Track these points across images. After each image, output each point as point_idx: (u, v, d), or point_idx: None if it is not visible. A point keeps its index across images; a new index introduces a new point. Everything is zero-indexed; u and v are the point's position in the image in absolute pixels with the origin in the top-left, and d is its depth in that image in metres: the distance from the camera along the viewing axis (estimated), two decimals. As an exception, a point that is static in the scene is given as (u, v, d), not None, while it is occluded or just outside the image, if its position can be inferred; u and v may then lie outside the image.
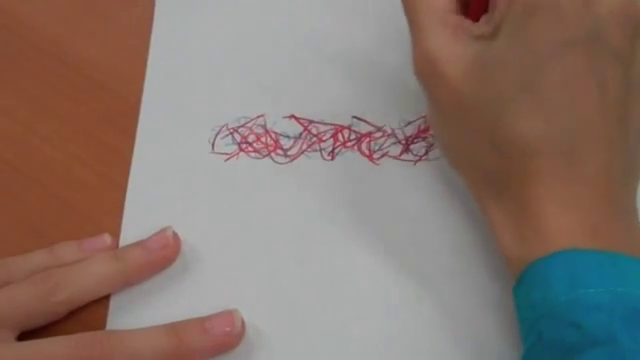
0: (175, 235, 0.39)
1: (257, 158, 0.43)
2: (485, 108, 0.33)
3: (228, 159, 0.43)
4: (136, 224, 0.40)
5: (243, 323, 0.37)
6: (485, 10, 0.36)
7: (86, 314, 0.38)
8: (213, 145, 0.44)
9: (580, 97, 0.32)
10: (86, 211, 0.42)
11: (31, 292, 0.36)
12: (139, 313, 0.38)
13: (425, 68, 0.35)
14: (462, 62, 0.34)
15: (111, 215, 0.41)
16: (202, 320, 0.36)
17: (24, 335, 0.36)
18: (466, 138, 0.35)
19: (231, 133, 0.44)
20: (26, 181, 0.43)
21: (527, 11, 0.33)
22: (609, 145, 0.33)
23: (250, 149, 0.43)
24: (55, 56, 0.48)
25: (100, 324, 0.38)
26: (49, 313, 0.37)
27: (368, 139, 0.43)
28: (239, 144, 0.43)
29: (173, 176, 0.43)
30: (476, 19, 0.36)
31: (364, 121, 0.44)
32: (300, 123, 0.44)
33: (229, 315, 0.36)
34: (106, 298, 0.38)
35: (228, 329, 0.36)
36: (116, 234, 0.40)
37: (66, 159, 0.43)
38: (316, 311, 0.38)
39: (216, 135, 0.44)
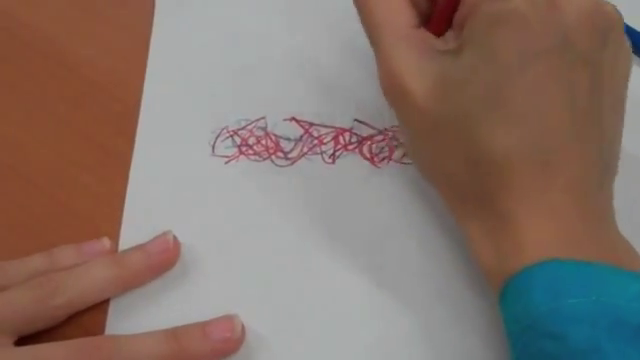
0: (175, 239, 0.39)
1: (257, 161, 0.43)
2: (456, 124, 0.33)
3: (228, 162, 0.43)
4: (135, 228, 0.40)
5: (243, 328, 0.36)
6: (449, 24, 0.35)
7: (85, 318, 0.37)
8: (213, 148, 0.43)
9: (551, 106, 0.32)
10: (85, 214, 0.41)
11: (30, 296, 0.36)
12: (138, 317, 0.38)
13: (392, 87, 0.35)
14: (429, 79, 0.34)
15: (110, 218, 0.41)
16: (202, 325, 0.36)
17: (23, 340, 0.36)
18: (439, 155, 0.34)
19: (231, 136, 0.44)
20: (24, 184, 0.43)
21: (492, 24, 0.32)
22: (583, 151, 0.32)
23: (250, 152, 0.43)
24: (53, 57, 0.47)
25: (99, 328, 0.37)
26: (48, 317, 0.37)
27: (369, 142, 0.43)
28: (239, 147, 0.43)
29: (173, 179, 0.42)
30: (438, 32, 0.35)
31: (365, 124, 0.44)
32: (301, 126, 0.44)
33: (229, 320, 0.36)
34: (105, 302, 0.38)
35: (228, 334, 0.36)
36: (115, 238, 0.40)
37: (65, 162, 0.43)
38: (316, 316, 0.38)
39: (216, 138, 0.44)
